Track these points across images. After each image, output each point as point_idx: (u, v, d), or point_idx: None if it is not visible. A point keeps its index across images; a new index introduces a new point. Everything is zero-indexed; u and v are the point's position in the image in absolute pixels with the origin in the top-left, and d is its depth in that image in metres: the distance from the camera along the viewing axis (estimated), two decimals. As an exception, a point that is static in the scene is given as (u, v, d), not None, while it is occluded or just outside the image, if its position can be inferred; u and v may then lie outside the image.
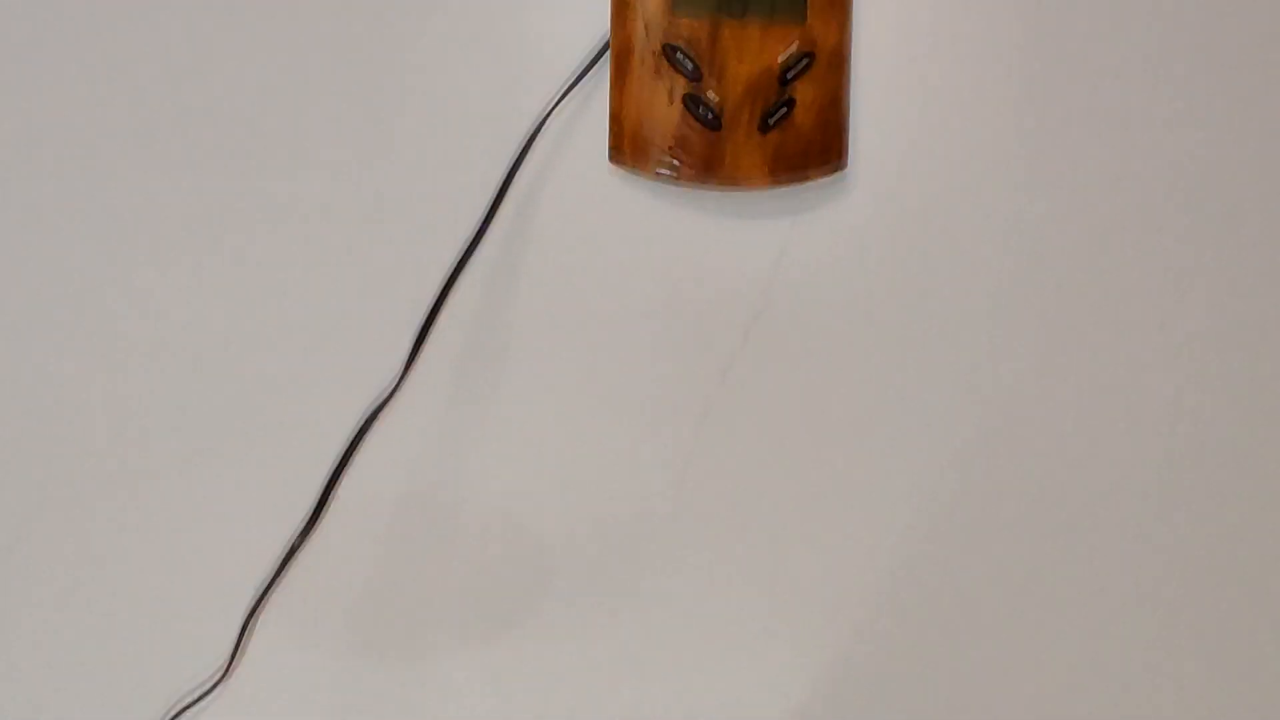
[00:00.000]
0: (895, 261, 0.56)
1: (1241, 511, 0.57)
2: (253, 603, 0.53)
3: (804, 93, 0.53)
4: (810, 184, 0.55)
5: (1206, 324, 0.56)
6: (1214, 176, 0.56)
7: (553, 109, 0.54)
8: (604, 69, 0.54)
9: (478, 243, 0.53)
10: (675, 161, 0.53)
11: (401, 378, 0.53)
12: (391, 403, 0.53)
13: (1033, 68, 0.56)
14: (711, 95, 0.53)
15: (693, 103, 0.53)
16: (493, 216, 0.53)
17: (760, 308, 0.55)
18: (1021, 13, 0.56)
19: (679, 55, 0.53)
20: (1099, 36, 0.57)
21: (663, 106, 0.53)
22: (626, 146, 0.53)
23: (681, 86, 0.53)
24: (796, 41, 0.53)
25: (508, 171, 0.54)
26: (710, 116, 0.53)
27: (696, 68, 0.53)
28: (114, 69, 0.54)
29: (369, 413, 0.53)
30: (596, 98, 0.54)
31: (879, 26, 0.56)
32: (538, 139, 0.54)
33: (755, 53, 0.53)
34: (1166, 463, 0.57)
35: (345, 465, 0.53)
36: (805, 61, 0.53)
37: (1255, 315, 0.57)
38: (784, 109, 0.53)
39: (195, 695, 0.54)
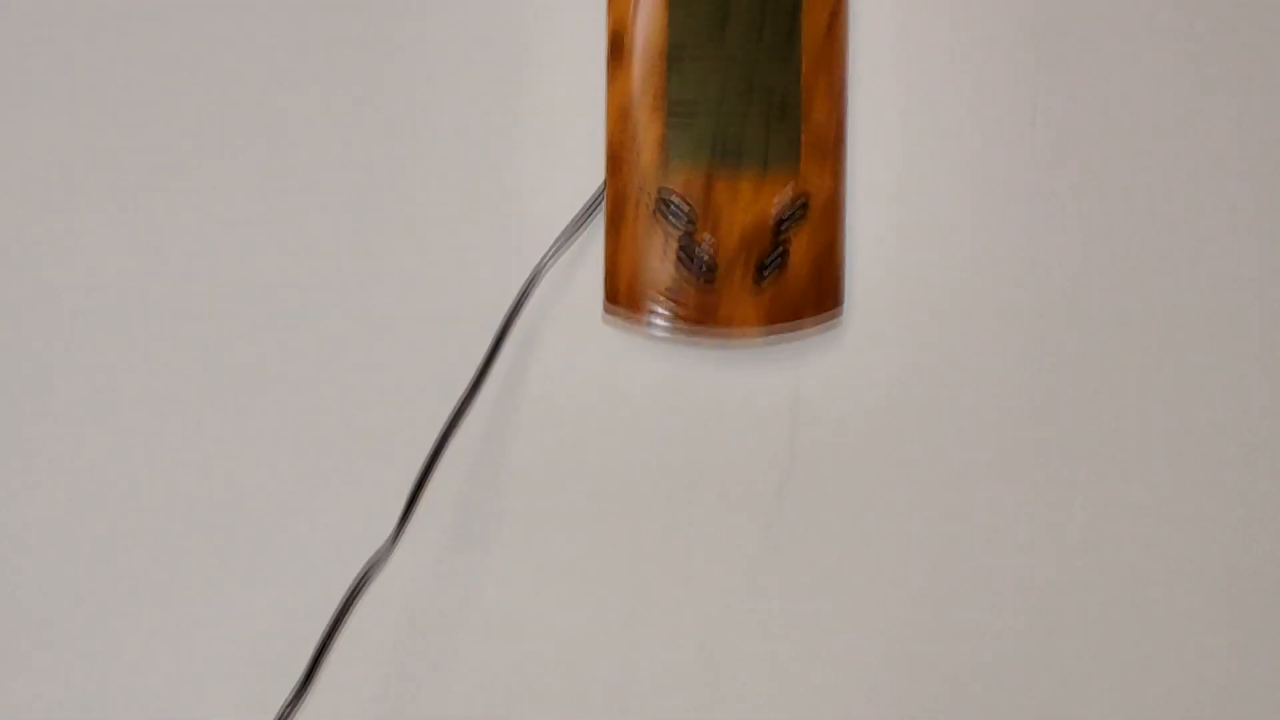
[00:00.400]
0: (898, 407, 0.56)
1: None
2: (240, 774, 0.51)
3: (798, 241, 0.53)
4: (806, 331, 0.55)
5: (1238, 464, 0.56)
6: (1231, 304, 0.57)
7: (548, 258, 0.53)
8: (600, 217, 0.54)
9: (472, 396, 0.53)
10: (670, 312, 0.53)
11: (394, 539, 0.52)
12: (384, 566, 0.52)
13: (1028, 204, 0.57)
14: (706, 245, 0.53)
15: (687, 253, 0.53)
16: (488, 369, 0.53)
17: (780, 462, 0.55)
18: (1016, 152, 0.57)
19: (674, 205, 0.53)
20: (1093, 174, 0.57)
21: (657, 256, 0.53)
22: (622, 297, 0.53)
23: (676, 236, 0.53)
24: (790, 190, 0.53)
25: (503, 323, 0.53)
26: (705, 267, 0.53)
27: (691, 217, 0.53)
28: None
29: (360, 576, 0.52)
30: (592, 247, 0.54)
31: (873, 170, 0.56)
32: (533, 289, 0.53)
33: (749, 202, 0.53)
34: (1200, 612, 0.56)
35: (336, 632, 0.51)
36: (800, 210, 0.53)
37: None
38: (778, 258, 0.53)
39: None
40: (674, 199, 0.53)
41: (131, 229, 0.54)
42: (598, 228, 0.54)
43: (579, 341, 0.54)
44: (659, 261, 0.53)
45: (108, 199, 0.54)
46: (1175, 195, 0.57)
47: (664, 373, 0.55)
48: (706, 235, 0.53)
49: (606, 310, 0.53)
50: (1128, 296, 0.57)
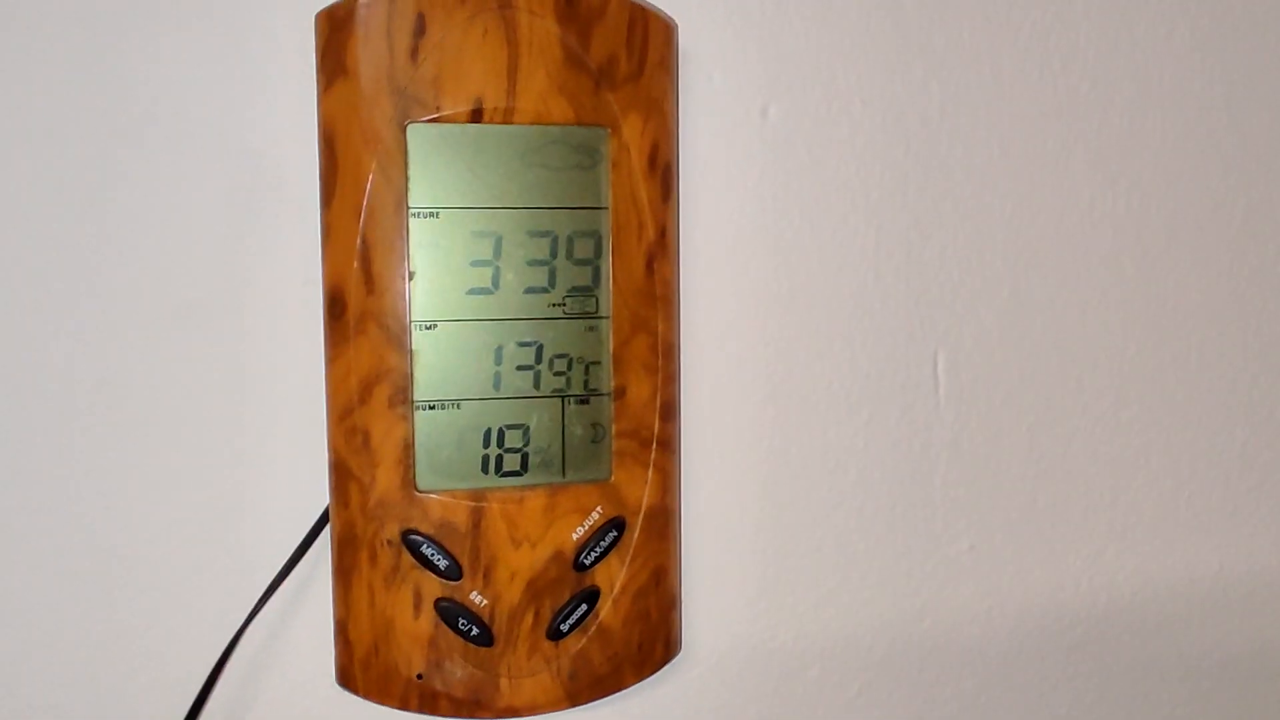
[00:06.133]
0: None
1: None
2: None
3: (611, 576, 0.38)
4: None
5: None
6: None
7: (251, 617, 0.37)
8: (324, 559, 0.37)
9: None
10: (430, 691, 0.37)
11: None
12: None
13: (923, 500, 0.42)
14: (477, 599, 0.37)
15: (449, 612, 0.37)
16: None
17: None
18: (916, 421, 0.42)
19: (426, 548, 0.36)
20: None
21: (406, 618, 0.37)
22: (358, 670, 0.37)
23: (433, 589, 0.36)
24: (599, 508, 0.37)
25: (189, 711, 0.37)
26: (476, 630, 0.37)
27: (454, 563, 0.36)
28: None
29: None
30: (315, 589, 0.38)
31: (716, 469, 0.41)
32: (230, 660, 0.37)
33: (539, 533, 0.37)
34: None
35: None
36: (612, 535, 0.37)
37: None
38: (582, 606, 0.37)
39: None
40: (427, 539, 0.36)
41: None
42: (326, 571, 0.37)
43: (310, 717, 0.38)
44: (409, 626, 0.37)
45: None
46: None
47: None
48: (477, 584, 0.37)
49: (341, 685, 0.37)
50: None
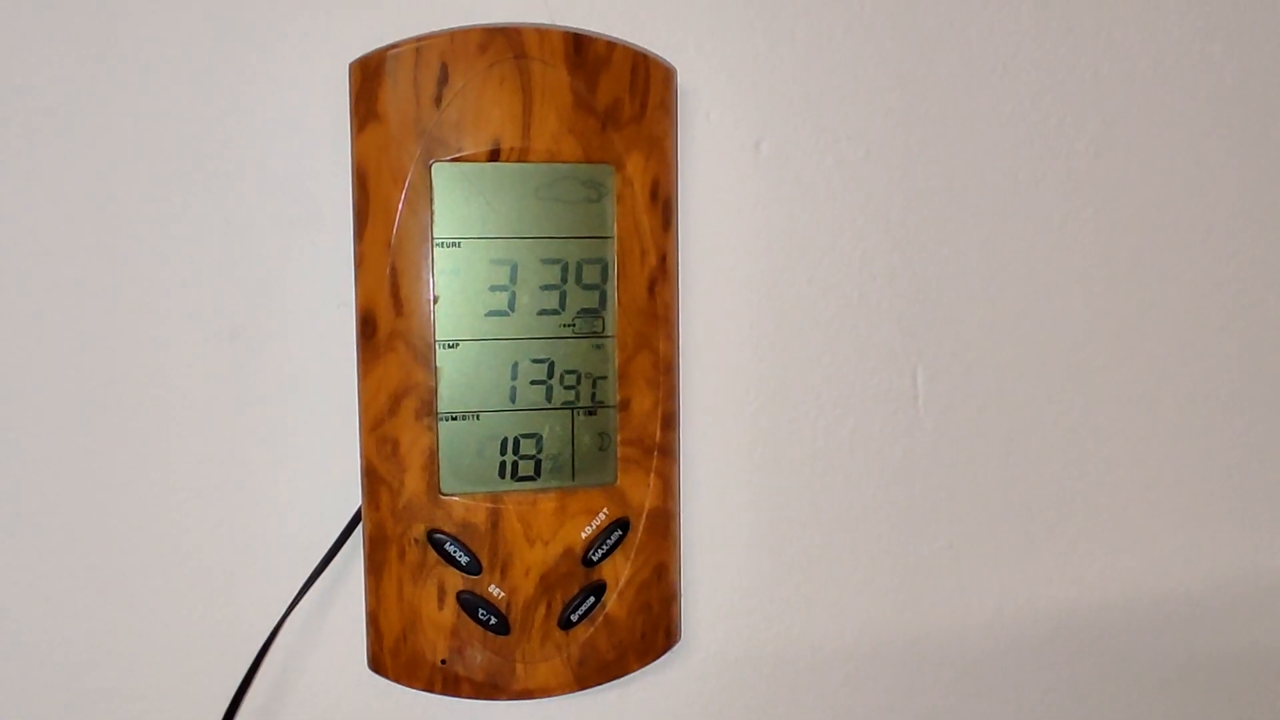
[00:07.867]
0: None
1: None
2: None
3: (617, 571, 0.42)
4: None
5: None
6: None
7: (291, 607, 0.41)
8: (357, 555, 0.41)
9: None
10: (453, 675, 0.41)
11: None
12: None
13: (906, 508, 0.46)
14: (495, 591, 0.40)
15: (470, 604, 0.40)
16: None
17: None
18: (897, 433, 0.45)
19: (449, 546, 0.40)
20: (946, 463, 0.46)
21: (431, 609, 0.40)
22: (388, 657, 0.41)
23: (455, 583, 0.40)
24: (605, 509, 0.41)
25: (235, 693, 0.41)
26: (494, 620, 0.40)
27: (474, 559, 0.40)
28: None
29: None
30: (348, 584, 0.42)
31: (715, 471, 0.44)
32: (272, 646, 0.41)
33: (550, 532, 0.41)
34: None
35: None
36: (618, 534, 0.41)
37: None
38: (590, 598, 0.41)
39: None
40: (450, 538, 0.40)
41: None
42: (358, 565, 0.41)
43: (341, 704, 0.42)
44: (434, 616, 0.40)
45: None
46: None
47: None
48: (495, 578, 0.40)
49: (373, 670, 0.41)
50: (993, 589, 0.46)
